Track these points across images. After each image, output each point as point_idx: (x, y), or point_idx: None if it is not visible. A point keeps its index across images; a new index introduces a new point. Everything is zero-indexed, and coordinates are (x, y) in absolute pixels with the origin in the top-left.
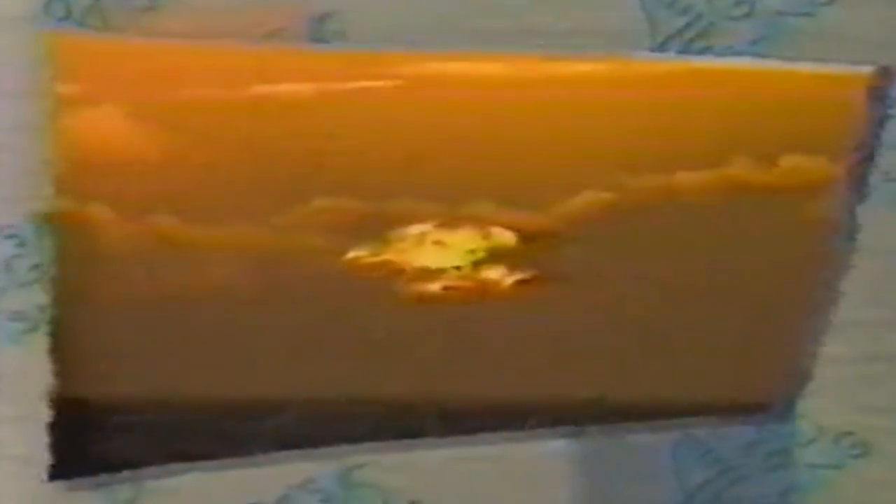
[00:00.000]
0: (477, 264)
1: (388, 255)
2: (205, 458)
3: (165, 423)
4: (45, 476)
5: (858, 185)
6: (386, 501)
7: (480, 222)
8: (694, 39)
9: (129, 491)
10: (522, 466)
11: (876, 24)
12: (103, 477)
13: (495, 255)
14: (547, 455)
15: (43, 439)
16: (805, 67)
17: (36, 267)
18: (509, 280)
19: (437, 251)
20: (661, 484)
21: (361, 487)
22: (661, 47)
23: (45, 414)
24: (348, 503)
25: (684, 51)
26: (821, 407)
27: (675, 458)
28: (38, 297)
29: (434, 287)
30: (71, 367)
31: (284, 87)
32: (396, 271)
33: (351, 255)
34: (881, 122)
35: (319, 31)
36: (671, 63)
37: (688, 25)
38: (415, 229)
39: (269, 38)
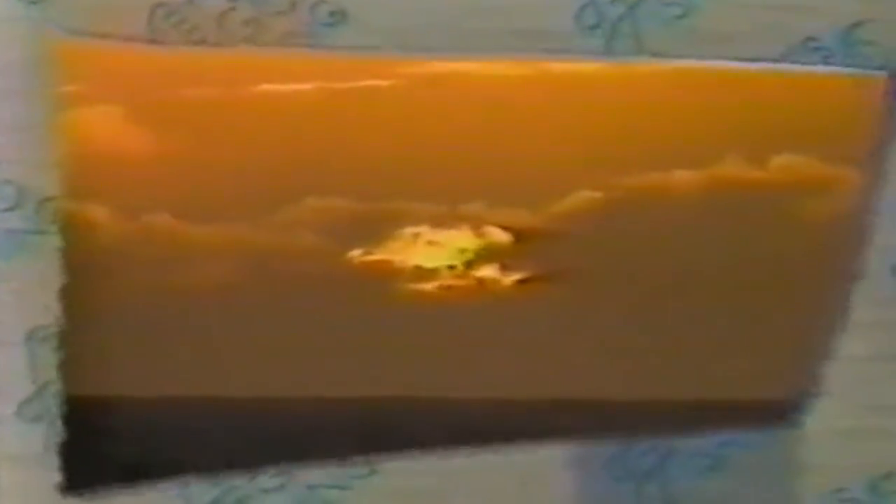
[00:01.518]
0: (469, 263)
1: (383, 255)
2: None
3: (163, 422)
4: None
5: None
6: None
7: (475, 222)
8: None
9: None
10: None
11: None
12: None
13: (487, 255)
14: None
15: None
16: (802, 69)
17: None
18: (507, 280)
19: (431, 250)
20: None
21: None
22: None
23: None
24: None
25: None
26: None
27: None
28: None
29: (430, 287)
30: (71, 367)
31: (282, 88)
32: (392, 271)
33: (347, 254)
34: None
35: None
36: (665, 63)
37: None
38: (410, 229)
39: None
